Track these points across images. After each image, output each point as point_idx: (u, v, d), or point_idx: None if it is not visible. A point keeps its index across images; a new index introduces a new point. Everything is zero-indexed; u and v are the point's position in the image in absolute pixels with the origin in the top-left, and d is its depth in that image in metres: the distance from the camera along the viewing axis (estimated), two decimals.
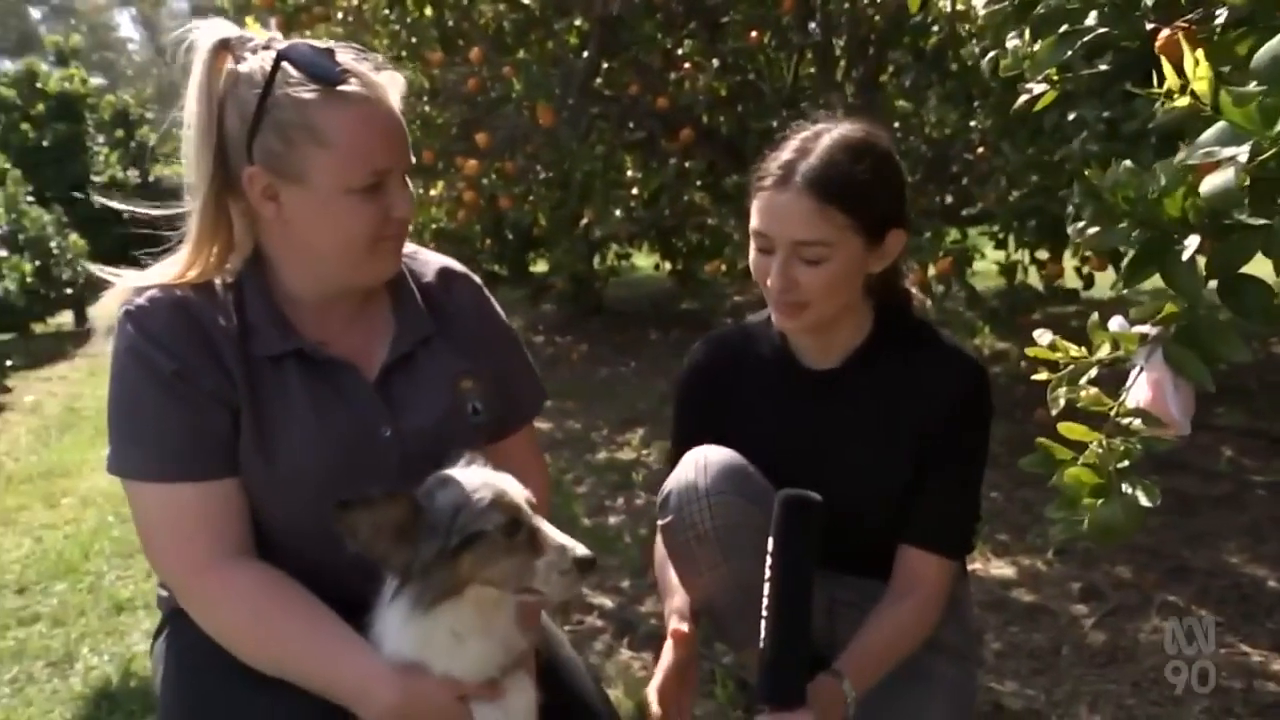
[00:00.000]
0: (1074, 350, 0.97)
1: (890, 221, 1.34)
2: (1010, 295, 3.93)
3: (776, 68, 5.55)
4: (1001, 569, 2.73)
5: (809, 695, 1.23)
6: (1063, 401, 0.96)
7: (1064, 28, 1.29)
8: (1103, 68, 1.62)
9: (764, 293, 1.39)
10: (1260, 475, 3.35)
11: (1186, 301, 0.89)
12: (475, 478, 1.14)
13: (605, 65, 4.98)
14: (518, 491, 1.14)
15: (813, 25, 4.80)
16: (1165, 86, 0.88)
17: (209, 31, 1.17)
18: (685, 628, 1.35)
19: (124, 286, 1.22)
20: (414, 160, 1.26)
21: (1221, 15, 1.09)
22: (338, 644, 1.15)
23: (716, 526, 1.31)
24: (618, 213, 4.67)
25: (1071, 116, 2.52)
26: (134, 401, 1.18)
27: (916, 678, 1.40)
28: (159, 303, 1.18)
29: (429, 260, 1.42)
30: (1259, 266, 0.90)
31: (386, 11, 4.87)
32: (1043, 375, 0.96)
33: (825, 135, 1.33)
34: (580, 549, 1.11)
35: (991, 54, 1.53)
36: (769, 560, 1.23)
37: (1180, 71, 0.85)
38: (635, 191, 4.89)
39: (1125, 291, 0.97)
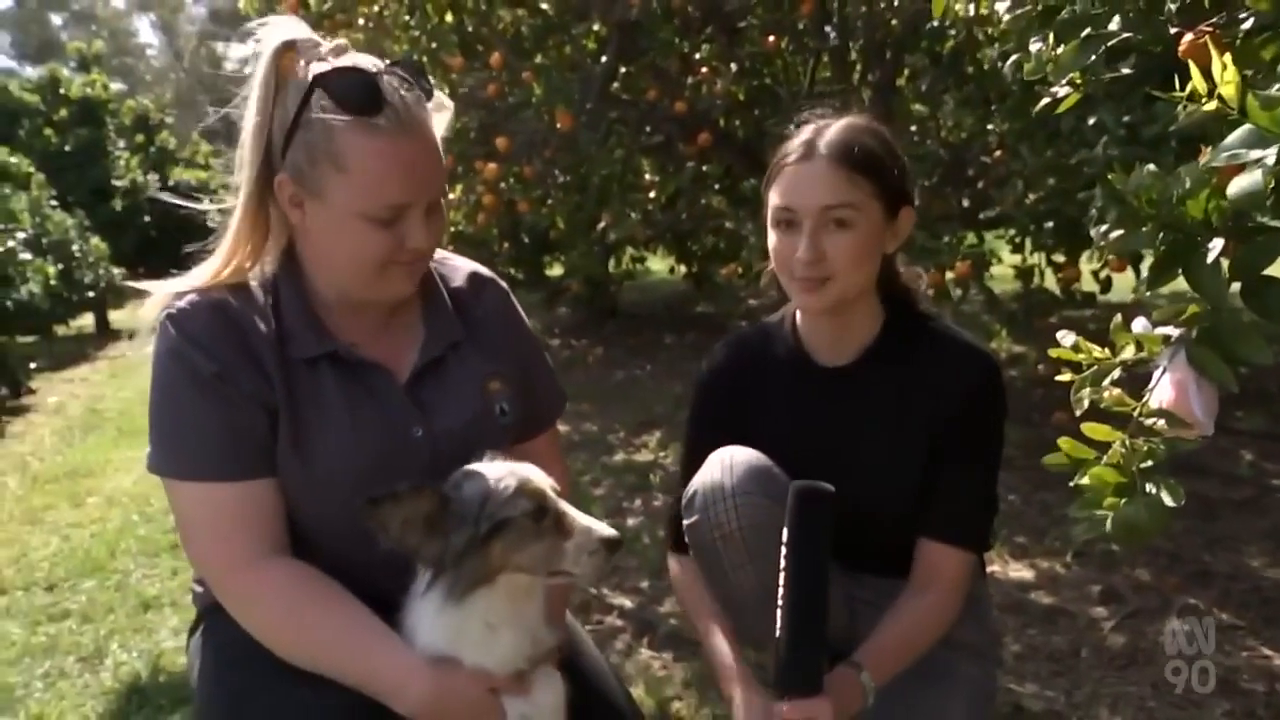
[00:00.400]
0: (1097, 351, 0.98)
1: (903, 198, 1.40)
2: (1027, 299, 3.92)
3: (793, 72, 5.57)
4: (1020, 571, 2.73)
5: (827, 685, 1.25)
6: (1086, 402, 0.96)
7: (1087, 32, 1.30)
8: (1125, 71, 1.63)
9: (784, 279, 1.41)
10: None
11: (1210, 303, 0.90)
12: (499, 468, 1.17)
13: (623, 70, 5.01)
14: (541, 478, 1.17)
15: (830, 29, 4.81)
16: (1189, 89, 0.89)
17: (277, 31, 1.18)
18: (751, 698, 1.33)
19: (165, 291, 1.25)
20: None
21: (1247, 20, 1.10)
22: (371, 638, 1.17)
23: (743, 527, 1.33)
24: (634, 216, 4.70)
25: (1091, 121, 2.52)
26: (175, 402, 1.20)
27: (936, 676, 1.41)
28: (199, 306, 1.21)
29: (458, 265, 1.45)
30: None
31: (407, 17, 4.92)
32: (1066, 376, 0.97)
33: (836, 119, 1.40)
34: (606, 529, 1.14)
35: (1014, 58, 1.54)
36: (783, 550, 1.24)
37: (1207, 75, 0.86)
38: (652, 195, 4.92)
39: (1147, 294, 0.98)
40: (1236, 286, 0.92)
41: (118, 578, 3.24)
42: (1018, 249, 4.15)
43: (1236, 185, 0.83)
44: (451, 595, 1.13)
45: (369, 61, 1.17)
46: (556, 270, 8.23)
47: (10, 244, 7.07)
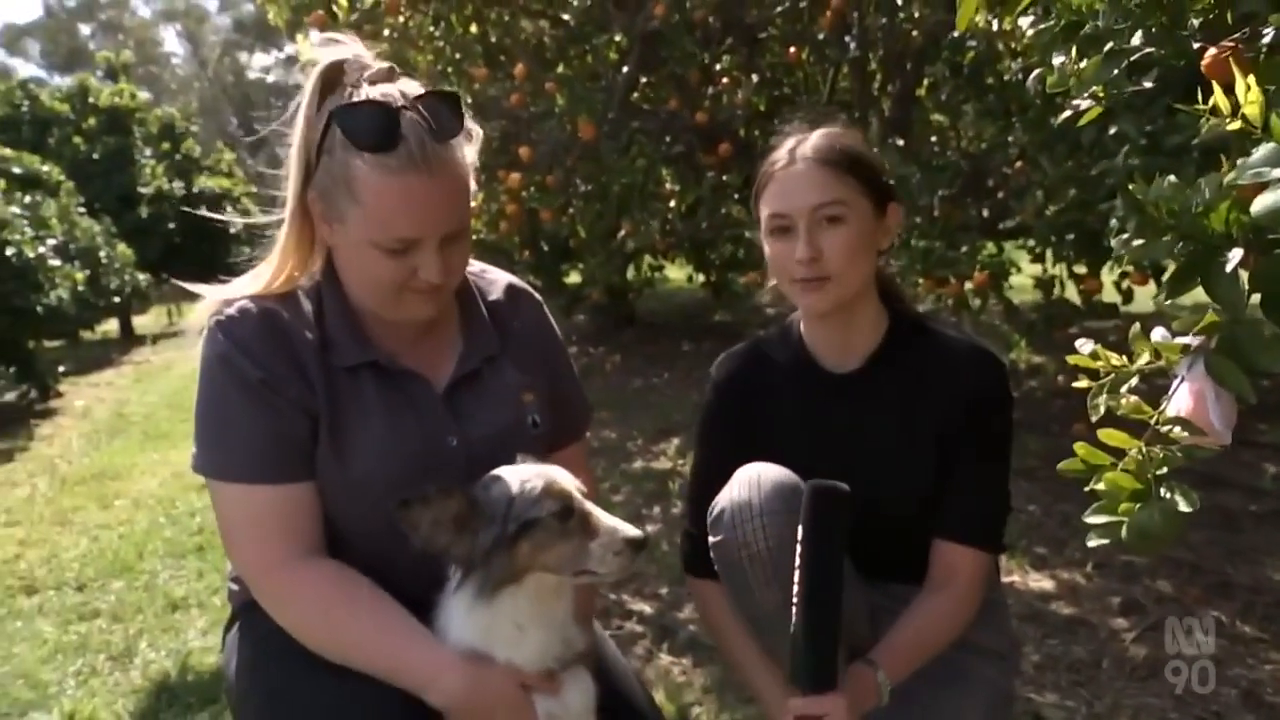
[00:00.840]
0: (1115, 359, 0.99)
1: (887, 194, 1.44)
2: (1047, 309, 3.92)
3: (814, 82, 5.60)
4: (1041, 582, 2.73)
5: (842, 682, 1.26)
6: (1103, 409, 0.97)
7: (1110, 46, 1.32)
8: (1147, 85, 1.64)
9: (785, 286, 1.43)
10: None
11: (1229, 314, 0.91)
12: (526, 470, 1.19)
13: (644, 80, 5.06)
14: (567, 480, 1.19)
15: (850, 40, 4.84)
16: (1211, 104, 0.90)
17: (329, 51, 1.21)
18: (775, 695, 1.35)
19: (215, 297, 1.29)
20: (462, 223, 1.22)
21: (1268, 35, 1.11)
22: (404, 634, 1.20)
23: (771, 547, 1.31)
24: (654, 225, 4.74)
25: (1113, 131, 2.53)
26: (222, 406, 1.24)
27: (953, 679, 1.41)
28: (248, 314, 1.25)
29: (496, 279, 1.48)
30: None
31: (432, 28, 4.99)
32: (1083, 383, 0.98)
33: (812, 130, 1.45)
34: (631, 530, 1.17)
35: (1036, 71, 1.56)
36: (799, 549, 1.25)
37: (1229, 92, 0.88)
38: (672, 204, 4.95)
39: (1168, 304, 1.00)
40: (1257, 298, 0.93)
41: (146, 578, 3.31)
42: (1038, 259, 4.15)
43: (1260, 203, 0.84)
44: (481, 593, 1.16)
45: (397, 94, 1.18)
46: (575, 278, 8.28)
47: (41, 250, 7.19)
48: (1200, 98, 0.92)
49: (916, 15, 4.32)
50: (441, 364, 1.34)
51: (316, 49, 1.23)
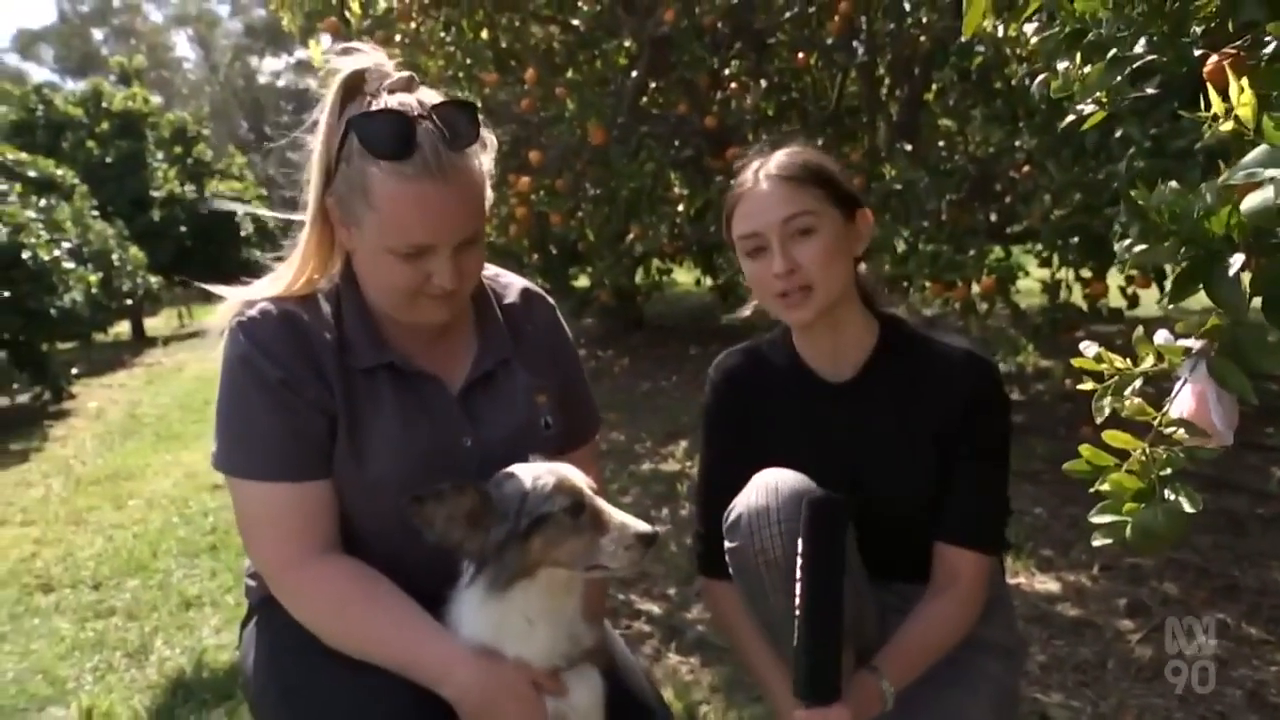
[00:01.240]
0: (1119, 362, 1.01)
1: (854, 202, 1.47)
2: (1052, 313, 3.93)
3: (822, 87, 5.62)
4: (1047, 584, 2.74)
5: (846, 691, 1.27)
6: (1107, 410, 0.99)
7: (1113, 53, 1.34)
8: (1150, 91, 1.66)
9: (768, 303, 1.45)
10: None
11: (1230, 317, 0.93)
12: (538, 468, 1.22)
13: (654, 85, 5.09)
14: (579, 477, 1.22)
15: (858, 45, 4.86)
16: (1212, 111, 0.93)
17: (350, 60, 1.24)
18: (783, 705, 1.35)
19: (236, 299, 1.31)
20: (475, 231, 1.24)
21: (1270, 46, 1.13)
22: (421, 629, 1.22)
23: (788, 553, 1.31)
24: (663, 228, 4.76)
25: (1118, 134, 2.54)
26: (242, 405, 1.27)
27: (959, 674, 1.43)
28: (269, 315, 1.28)
29: (511, 282, 1.51)
30: None
31: (443, 34, 5.03)
32: (1088, 385, 1.00)
33: (772, 152, 1.48)
34: (641, 525, 1.19)
35: (1041, 77, 1.58)
36: (799, 561, 1.26)
37: (1227, 98, 0.90)
38: (681, 208, 4.98)
39: (1170, 308, 1.02)
40: (1258, 301, 0.95)
41: (160, 577, 3.35)
42: (1045, 264, 4.16)
43: (1250, 202, 0.87)
44: (494, 588, 1.18)
45: (414, 103, 1.20)
46: (584, 281, 8.32)
47: (56, 253, 7.27)
48: (1203, 104, 0.94)
49: (924, 21, 4.34)
50: (457, 366, 1.37)
51: (338, 58, 1.25)
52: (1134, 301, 3.62)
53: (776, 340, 1.57)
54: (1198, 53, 1.22)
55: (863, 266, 1.55)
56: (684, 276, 9.98)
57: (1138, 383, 1.00)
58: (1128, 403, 0.99)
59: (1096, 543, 0.98)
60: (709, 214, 4.95)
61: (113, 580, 3.35)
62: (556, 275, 8.11)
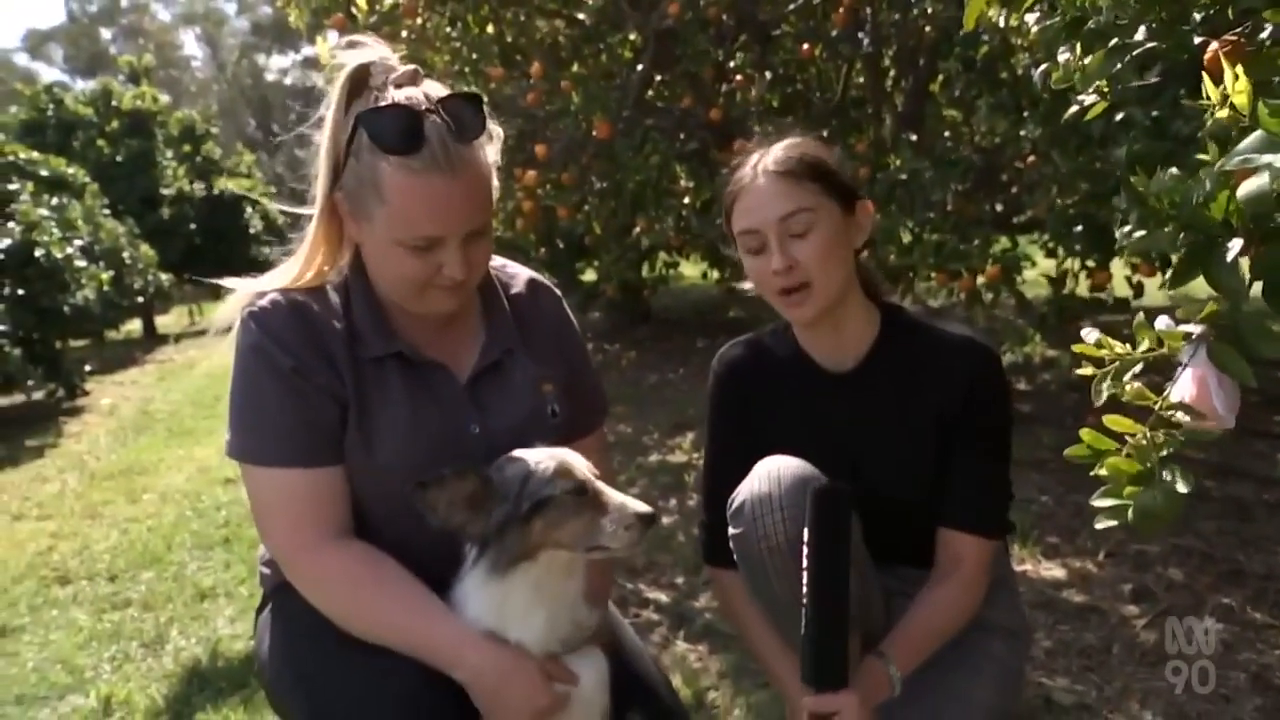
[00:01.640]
0: (1119, 347, 1.02)
1: (854, 193, 1.47)
2: (1057, 303, 3.93)
3: (827, 79, 5.62)
4: (1053, 571, 2.76)
5: (854, 677, 1.29)
6: (1105, 394, 1.00)
7: (1114, 41, 1.35)
8: (1153, 80, 1.67)
9: (770, 299, 1.46)
10: None
11: (1229, 301, 0.95)
12: (539, 452, 1.24)
13: (659, 78, 5.10)
14: (578, 460, 1.25)
15: (863, 36, 4.85)
16: (1212, 99, 0.94)
17: (356, 55, 1.25)
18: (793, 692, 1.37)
19: (246, 290, 1.34)
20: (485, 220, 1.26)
21: (1266, 30, 1.14)
22: (431, 613, 1.25)
23: (791, 539, 1.33)
24: (669, 221, 4.78)
25: (1119, 117, 2.54)
26: (255, 394, 1.29)
27: (964, 655, 1.45)
28: (279, 305, 1.30)
29: (517, 273, 1.53)
30: None
31: (449, 29, 5.06)
32: (1087, 370, 1.01)
33: (771, 145, 1.48)
34: (641, 505, 1.21)
35: (1043, 67, 1.59)
36: (805, 550, 1.28)
37: (1222, 84, 0.91)
38: (686, 201, 4.99)
39: (1171, 295, 1.03)
40: (1259, 287, 0.96)
41: (175, 569, 3.39)
42: (1051, 254, 4.16)
43: (1245, 188, 0.88)
44: (496, 569, 1.21)
45: (421, 97, 1.22)
46: (591, 275, 8.34)
47: (69, 251, 7.33)
48: (1205, 93, 0.95)
49: (929, 11, 4.34)
50: (464, 355, 1.39)
51: (342, 52, 1.26)
52: (1139, 291, 3.62)
53: (779, 331, 1.58)
54: (1198, 40, 1.23)
55: (864, 254, 1.57)
56: (690, 269, 9.98)
57: (1137, 368, 1.01)
58: (1127, 387, 1.00)
59: (1099, 525, 1.00)
60: (715, 207, 4.95)
61: (128, 572, 3.39)
62: (563, 269, 8.14)
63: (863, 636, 1.43)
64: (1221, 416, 1.00)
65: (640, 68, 4.95)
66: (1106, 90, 1.47)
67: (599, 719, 1.30)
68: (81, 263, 7.59)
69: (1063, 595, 2.59)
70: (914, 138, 4.40)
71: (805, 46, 4.94)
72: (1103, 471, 1.00)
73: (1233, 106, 0.92)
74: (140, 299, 10.51)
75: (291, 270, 1.34)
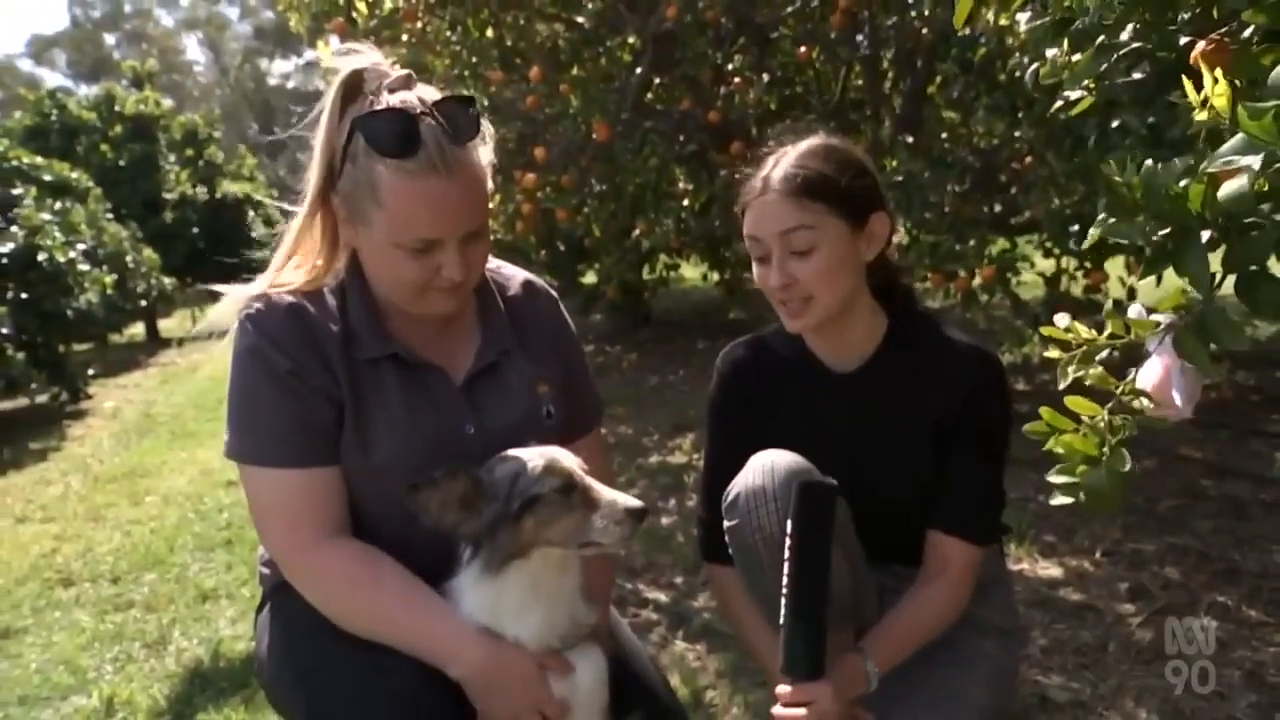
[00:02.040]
0: (1086, 333, 1.03)
1: (869, 205, 1.45)
2: (1050, 303, 3.94)
3: (825, 81, 5.63)
4: (1049, 569, 2.77)
5: (830, 669, 1.30)
6: (1070, 376, 1.01)
7: (1101, 40, 1.36)
8: (1137, 76, 1.68)
9: (772, 303, 1.48)
10: None
11: (1198, 293, 0.96)
12: (529, 452, 1.26)
13: (657, 81, 5.12)
14: (568, 458, 1.26)
15: (861, 39, 4.87)
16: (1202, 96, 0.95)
17: (349, 60, 1.27)
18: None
19: (242, 293, 1.35)
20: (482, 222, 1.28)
21: (1248, 29, 1.16)
22: (429, 610, 1.26)
23: (784, 532, 1.34)
24: (669, 223, 4.80)
25: (1115, 124, 2.56)
26: (252, 395, 1.30)
27: (956, 654, 1.46)
28: (276, 308, 1.32)
29: (513, 275, 1.54)
30: None
31: (449, 33, 5.08)
32: (1054, 353, 1.02)
33: (790, 149, 1.47)
34: (631, 501, 1.23)
35: (1034, 66, 1.60)
36: (787, 542, 1.30)
37: (1201, 86, 0.93)
38: (686, 203, 5.01)
39: (1139, 282, 1.04)
40: (1230, 281, 0.98)
41: (177, 570, 3.41)
42: (1049, 254, 4.17)
43: (1226, 189, 0.89)
44: (489, 568, 1.22)
45: (415, 100, 1.22)
46: (591, 277, 8.36)
47: (72, 255, 7.36)
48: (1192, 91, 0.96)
49: (927, 13, 4.35)
50: (460, 356, 1.40)
51: (336, 58, 1.27)
52: (1133, 294, 3.64)
53: (783, 330, 1.59)
54: (1184, 40, 1.24)
55: (892, 251, 1.54)
56: (690, 271, 10.00)
57: (1104, 353, 1.02)
58: (1091, 372, 1.02)
59: (1055, 502, 1.01)
60: (714, 208, 4.98)
61: (131, 574, 3.41)
62: (564, 271, 8.15)
63: (856, 630, 1.44)
64: (1179, 407, 1.01)
65: (639, 70, 4.97)
66: (1093, 87, 1.48)
67: (598, 717, 1.31)
68: (85, 267, 7.62)
69: (1059, 594, 2.60)
70: (912, 139, 4.41)
71: (803, 49, 4.96)
72: (1056, 449, 1.01)
73: (1212, 109, 0.94)
74: (143, 303, 10.54)
75: (275, 265, 1.34)
